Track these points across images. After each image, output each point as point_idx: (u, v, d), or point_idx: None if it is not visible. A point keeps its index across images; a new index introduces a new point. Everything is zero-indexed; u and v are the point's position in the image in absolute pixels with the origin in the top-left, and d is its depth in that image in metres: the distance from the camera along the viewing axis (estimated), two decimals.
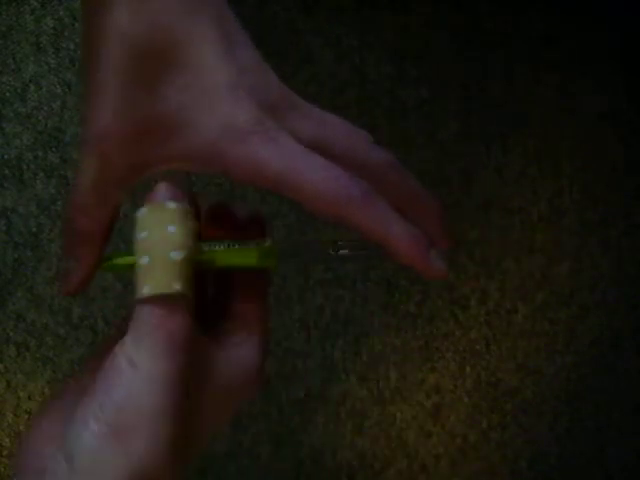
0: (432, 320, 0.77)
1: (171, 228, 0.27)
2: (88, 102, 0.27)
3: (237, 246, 0.29)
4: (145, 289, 0.26)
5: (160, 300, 0.26)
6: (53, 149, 0.70)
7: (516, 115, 0.79)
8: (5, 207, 0.69)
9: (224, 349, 0.29)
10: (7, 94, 0.70)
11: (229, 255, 0.29)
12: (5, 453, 0.68)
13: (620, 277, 0.81)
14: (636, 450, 0.81)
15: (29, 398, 0.68)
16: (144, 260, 0.26)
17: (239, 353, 0.29)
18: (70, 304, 0.69)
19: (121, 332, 0.27)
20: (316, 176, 0.27)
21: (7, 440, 0.68)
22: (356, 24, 0.76)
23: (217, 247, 0.29)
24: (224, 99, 0.27)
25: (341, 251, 0.31)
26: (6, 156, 0.70)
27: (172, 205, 0.27)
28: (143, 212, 0.27)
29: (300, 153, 0.27)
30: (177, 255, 0.26)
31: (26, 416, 0.68)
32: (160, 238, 0.27)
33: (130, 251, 0.29)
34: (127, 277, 0.32)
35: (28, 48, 0.70)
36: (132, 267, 0.29)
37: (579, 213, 0.80)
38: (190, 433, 0.26)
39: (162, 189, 0.28)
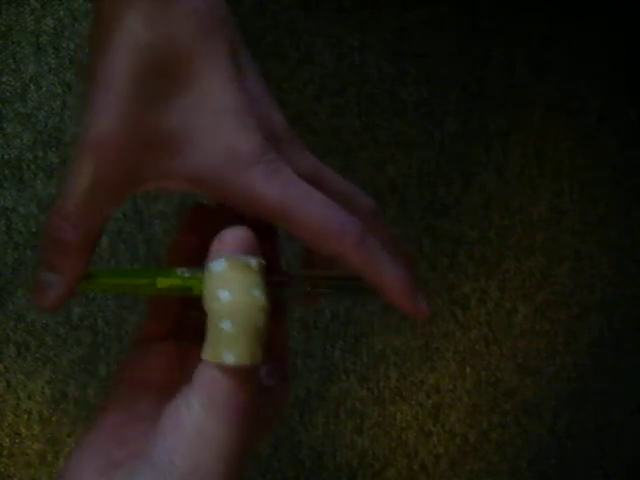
0: (432, 320, 0.77)
1: (256, 292, 0.25)
2: (91, 105, 0.26)
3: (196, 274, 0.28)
4: (228, 358, 0.24)
5: (241, 370, 0.24)
6: (53, 149, 0.70)
7: (516, 115, 0.79)
8: (5, 207, 0.69)
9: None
10: (7, 94, 0.70)
11: (191, 283, 0.28)
12: (5, 453, 0.68)
13: (620, 277, 0.81)
14: (636, 450, 0.81)
15: (29, 398, 0.68)
16: (226, 325, 0.24)
17: (269, 387, 0.29)
18: (70, 304, 0.69)
19: (142, 340, 0.27)
20: (316, 211, 0.27)
21: (7, 440, 0.68)
22: (356, 24, 0.76)
23: (185, 273, 0.28)
24: (230, 124, 0.26)
25: (316, 289, 0.30)
26: (6, 156, 0.70)
27: (254, 263, 0.25)
28: (222, 268, 0.25)
29: (301, 187, 0.27)
30: (261, 323, 0.24)
31: (26, 416, 0.68)
32: (245, 303, 0.24)
33: (113, 269, 0.28)
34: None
35: (28, 48, 0.70)
36: (116, 287, 0.27)
37: (579, 213, 0.80)
38: None
39: (238, 239, 0.25)
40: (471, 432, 0.77)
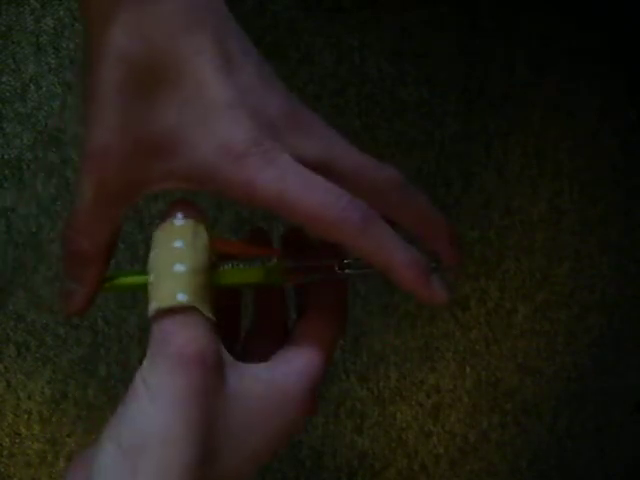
0: (432, 320, 0.77)
1: (177, 243, 0.26)
2: (86, 120, 0.27)
3: (241, 265, 0.29)
4: (152, 305, 0.26)
5: (168, 314, 0.25)
6: (53, 149, 0.70)
7: (516, 115, 0.79)
8: (5, 207, 0.69)
9: (267, 366, 0.28)
10: (7, 94, 0.70)
11: (234, 274, 0.28)
12: (5, 453, 0.68)
13: (620, 277, 0.81)
14: (636, 450, 0.81)
15: (29, 398, 0.68)
16: (151, 277, 0.26)
17: (281, 370, 0.28)
18: None
19: None
20: (313, 197, 0.26)
21: (7, 440, 0.68)
22: (356, 24, 0.76)
23: (223, 267, 0.28)
24: (222, 118, 0.26)
25: (347, 270, 0.30)
26: (6, 156, 0.70)
27: (179, 222, 0.27)
28: (155, 233, 0.28)
29: (298, 174, 0.26)
30: (181, 267, 0.26)
31: (26, 416, 0.68)
32: (166, 254, 0.26)
33: (133, 271, 0.29)
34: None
35: (28, 48, 0.70)
36: (135, 287, 0.29)
37: (579, 213, 0.80)
38: (222, 464, 0.25)
39: (172, 207, 0.28)
40: (471, 432, 0.77)
